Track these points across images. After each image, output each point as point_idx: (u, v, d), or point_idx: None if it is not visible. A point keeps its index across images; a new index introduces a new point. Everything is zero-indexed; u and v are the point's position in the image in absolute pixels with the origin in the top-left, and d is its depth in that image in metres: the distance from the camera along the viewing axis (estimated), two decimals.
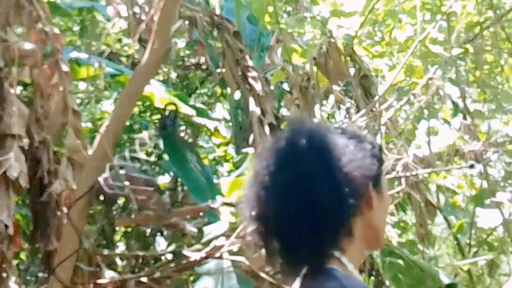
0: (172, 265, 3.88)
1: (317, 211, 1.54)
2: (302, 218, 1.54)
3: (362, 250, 1.62)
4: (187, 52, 7.50)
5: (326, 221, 1.55)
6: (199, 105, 6.32)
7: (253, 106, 4.82)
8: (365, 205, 1.61)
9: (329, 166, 1.57)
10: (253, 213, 1.60)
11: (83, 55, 4.95)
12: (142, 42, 4.26)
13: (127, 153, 3.72)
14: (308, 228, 1.54)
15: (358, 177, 1.57)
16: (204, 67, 6.97)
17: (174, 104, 5.00)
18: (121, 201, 5.28)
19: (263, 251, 1.65)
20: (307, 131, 1.62)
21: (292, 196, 1.54)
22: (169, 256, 4.45)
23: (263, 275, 3.63)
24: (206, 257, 3.77)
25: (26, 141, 3.37)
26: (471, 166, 5.44)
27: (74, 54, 5.00)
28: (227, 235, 3.94)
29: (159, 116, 5.33)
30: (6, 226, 3.14)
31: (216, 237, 3.98)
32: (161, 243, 6.26)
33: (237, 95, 5.35)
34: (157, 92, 5.07)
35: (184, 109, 5.17)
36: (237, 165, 5.33)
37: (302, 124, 1.66)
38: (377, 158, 1.66)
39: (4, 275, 3.19)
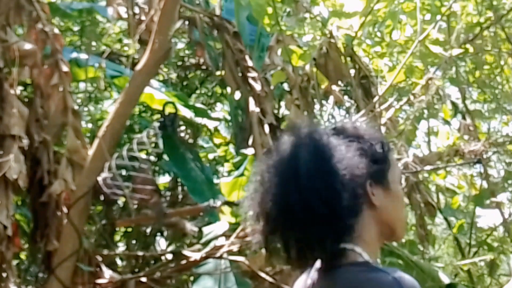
0: (172, 265, 3.88)
1: (310, 212, 1.60)
2: (300, 217, 1.60)
3: (377, 244, 1.67)
4: (187, 52, 7.50)
5: (322, 221, 1.59)
6: (199, 105, 6.32)
7: (253, 106, 4.82)
8: (367, 204, 1.64)
9: (320, 169, 1.62)
10: (257, 212, 1.66)
11: (83, 56, 4.95)
12: (142, 42, 4.26)
13: (126, 153, 3.72)
14: (305, 226, 1.60)
15: (347, 178, 1.61)
16: (204, 67, 6.97)
17: (174, 104, 5.00)
18: (121, 201, 5.28)
19: (263, 249, 1.71)
20: (303, 134, 1.68)
21: (290, 197, 1.60)
22: (169, 256, 4.45)
23: (263, 275, 3.63)
24: (206, 257, 3.77)
25: (26, 141, 3.37)
26: (478, 161, 5.44)
27: (74, 55, 5.00)
28: (227, 235, 3.95)
29: (159, 116, 5.32)
30: (5, 227, 3.14)
31: (216, 237, 3.99)
32: (161, 243, 6.26)
33: (237, 95, 5.35)
34: (157, 94, 5.08)
35: (183, 111, 5.18)
36: (237, 166, 5.33)
37: (299, 127, 1.70)
38: (375, 155, 1.67)
39: (4, 275, 3.20)
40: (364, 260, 1.60)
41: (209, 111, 7.58)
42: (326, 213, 1.60)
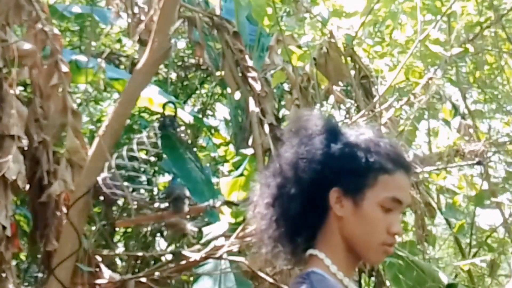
0: (172, 265, 3.88)
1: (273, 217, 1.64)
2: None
3: (346, 256, 1.60)
4: (187, 52, 7.50)
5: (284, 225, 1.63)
6: (196, 109, 6.34)
7: (253, 106, 4.80)
8: (331, 210, 1.59)
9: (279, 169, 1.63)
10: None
11: (83, 58, 4.95)
12: (142, 42, 4.26)
13: (126, 153, 3.72)
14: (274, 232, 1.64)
15: (299, 180, 1.58)
16: (204, 67, 6.97)
17: (174, 105, 5.00)
18: (121, 201, 5.28)
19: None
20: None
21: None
22: (169, 257, 4.45)
23: (263, 275, 3.63)
24: (206, 258, 3.76)
25: (25, 141, 3.36)
26: (478, 163, 5.43)
27: (73, 56, 5.00)
28: (227, 235, 3.94)
29: (158, 116, 5.32)
30: (4, 227, 3.14)
31: (216, 238, 3.98)
32: (161, 244, 6.26)
33: (237, 95, 5.34)
34: (155, 97, 5.10)
35: (182, 115, 5.19)
36: (236, 166, 5.33)
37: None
38: (352, 165, 1.57)
39: (3, 275, 3.19)
40: (324, 266, 1.57)
41: (209, 111, 7.59)
42: (275, 228, 1.61)
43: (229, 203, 4.21)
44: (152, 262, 5.04)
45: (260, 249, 1.65)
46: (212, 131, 7.52)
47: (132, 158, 3.82)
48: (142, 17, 4.37)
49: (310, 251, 1.62)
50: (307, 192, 1.58)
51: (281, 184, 1.60)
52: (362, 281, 5.34)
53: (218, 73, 5.48)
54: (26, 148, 3.41)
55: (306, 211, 1.59)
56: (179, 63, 7.51)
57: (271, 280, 3.62)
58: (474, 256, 6.14)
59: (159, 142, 4.22)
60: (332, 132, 1.62)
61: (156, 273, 3.74)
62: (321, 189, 1.58)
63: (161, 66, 6.55)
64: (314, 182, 1.58)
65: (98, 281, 3.59)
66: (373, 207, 1.57)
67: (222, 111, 8.24)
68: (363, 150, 1.58)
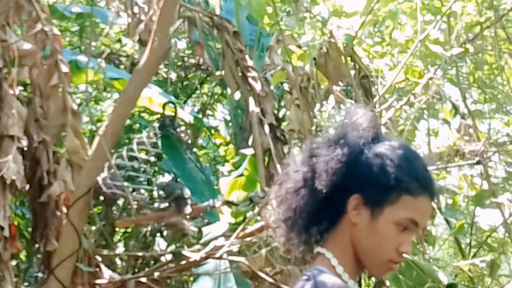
0: (172, 265, 3.88)
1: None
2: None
3: (353, 261, 1.61)
4: (187, 52, 7.50)
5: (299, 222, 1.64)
6: (198, 106, 6.34)
7: (253, 106, 4.81)
8: (346, 215, 1.61)
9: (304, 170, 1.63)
10: None
11: (83, 58, 4.95)
12: (142, 42, 4.26)
13: (126, 153, 3.73)
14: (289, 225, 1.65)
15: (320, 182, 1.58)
16: (204, 67, 6.97)
17: (174, 105, 5.01)
18: (121, 201, 5.28)
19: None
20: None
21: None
22: (169, 257, 4.45)
23: (263, 275, 3.63)
24: (206, 258, 3.77)
25: (25, 141, 3.36)
26: (478, 162, 5.43)
27: (73, 56, 5.00)
28: (226, 235, 3.95)
29: (158, 116, 5.33)
30: (2, 228, 3.14)
31: (216, 237, 3.99)
32: (161, 244, 6.26)
33: (237, 95, 5.34)
34: (156, 97, 5.10)
35: (182, 115, 5.18)
36: (236, 166, 5.33)
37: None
38: (379, 179, 1.56)
39: (1, 275, 3.19)
40: (330, 265, 1.58)
41: (208, 111, 7.59)
42: (291, 215, 1.62)
43: (229, 203, 4.21)
44: (152, 262, 5.04)
45: (275, 232, 1.67)
46: (212, 131, 7.52)
47: (132, 158, 3.82)
48: (142, 17, 4.37)
49: (318, 249, 1.63)
50: (329, 191, 1.59)
51: (307, 175, 1.61)
52: (362, 281, 5.35)
53: (218, 73, 5.49)
54: (26, 148, 3.41)
55: (323, 209, 1.61)
56: (179, 63, 7.51)
57: (271, 280, 3.63)
58: (474, 256, 6.14)
59: (159, 142, 4.22)
60: (372, 137, 1.62)
61: (156, 273, 3.75)
62: (343, 192, 1.60)
63: (161, 66, 6.55)
64: (338, 183, 1.59)
65: (98, 281, 3.60)
66: (388, 224, 1.58)
67: (222, 111, 8.24)
68: (394, 167, 1.58)
